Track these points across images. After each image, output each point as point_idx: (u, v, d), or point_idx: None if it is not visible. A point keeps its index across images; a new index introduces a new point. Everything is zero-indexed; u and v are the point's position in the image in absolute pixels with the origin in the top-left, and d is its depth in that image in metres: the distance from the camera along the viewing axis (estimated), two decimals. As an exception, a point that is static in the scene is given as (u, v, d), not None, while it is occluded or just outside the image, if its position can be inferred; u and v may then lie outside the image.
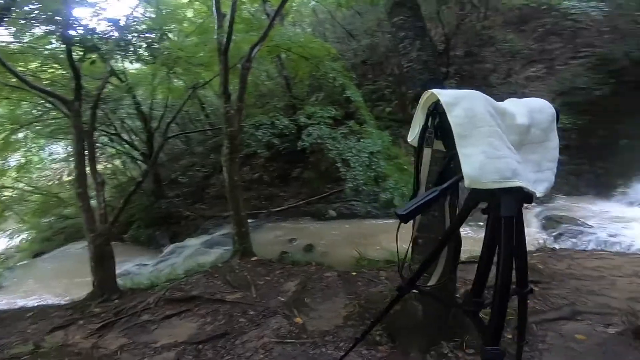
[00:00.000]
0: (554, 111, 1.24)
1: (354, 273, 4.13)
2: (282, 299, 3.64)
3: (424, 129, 1.25)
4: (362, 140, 6.12)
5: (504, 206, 1.08)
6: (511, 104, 1.18)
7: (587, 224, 7.06)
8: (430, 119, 1.23)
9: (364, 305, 3.18)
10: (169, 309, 3.63)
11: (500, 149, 1.05)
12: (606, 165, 8.89)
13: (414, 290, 1.51)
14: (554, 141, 1.21)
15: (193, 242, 8.45)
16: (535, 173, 1.18)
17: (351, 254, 5.26)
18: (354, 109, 7.20)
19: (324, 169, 8.81)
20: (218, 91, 11.32)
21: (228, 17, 5.35)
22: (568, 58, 9.53)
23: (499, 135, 1.07)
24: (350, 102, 6.98)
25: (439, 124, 1.21)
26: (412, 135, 1.34)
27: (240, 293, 3.94)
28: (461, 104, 1.10)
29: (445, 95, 1.13)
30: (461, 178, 1.15)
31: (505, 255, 1.11)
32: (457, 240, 1.46)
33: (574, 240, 6.57)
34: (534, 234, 6.91)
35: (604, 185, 8.72)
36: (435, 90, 1.19)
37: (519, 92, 8.96)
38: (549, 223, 7.41)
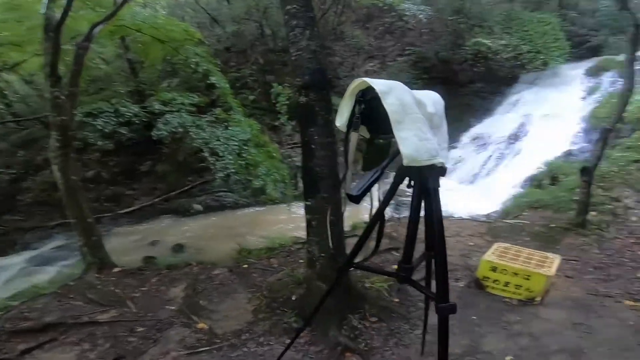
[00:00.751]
0: (443, 102, 1.52)
1: (245, 266, 4.03)
2: (172, 308, 3.28)
3: (352, 114, 1.37)
4: (230, 128, 5.89)
5: (432, 180, 1.31)
6: (420, 95, 1.37)
7: (415, 194, 8.58)
8: (357, 106, 1.35)
9: (268, 296, 3.15)
10: (21, 342, 2.82)
11: (427, 132, 1.26)
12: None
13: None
14: (445, 126, 1.47)
15: (13, 262, 6.63)
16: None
17: (230, 247, 5.07)
18: (216, 96, 6.83)
19: (181, 160, 8.11)
20: (28, 75, 9.03)
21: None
22: (396, 55, 11.05)
23: (423, 121, 1.27)
24: (212, 88, 6.59)
25: (364, 111, 1.34)
26: (341, 121, 1.42)
27: (115, 310, 3.37)
28: (393, 93, 1.24)
29: (379, 84, 1.26)
30: (393, 159, 1.37)
31: (438, 221, 1.34)
32: (382, 218, 1.65)
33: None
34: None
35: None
36: (367, 79, 1.30)
37: (360, 85, 10.04)
38: (388, 198, 8.72)
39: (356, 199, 1.28)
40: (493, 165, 8.72)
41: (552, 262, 3.18)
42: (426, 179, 1.30)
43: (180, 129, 6.05)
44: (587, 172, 4.54)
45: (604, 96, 8.38)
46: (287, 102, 5.63)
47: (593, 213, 4.91)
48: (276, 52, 10.38)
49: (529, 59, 10.18)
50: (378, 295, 2.95)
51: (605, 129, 4.66)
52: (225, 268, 4.05)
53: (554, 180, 6.95)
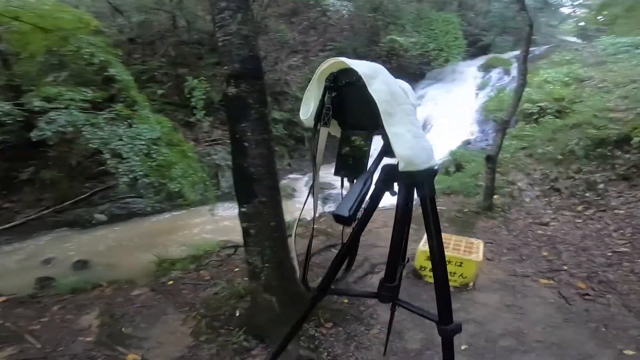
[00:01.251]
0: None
1: (170, 282, 3.58)
2: (88, 339, 2.76)
3: (322, 104, 1.11)
4: (135, 126, 5.19)
5: (429, 186, 1.10)
6: (400, 83, 1.14)
7: (341, 188, 8.56)
8: (327, 93, 1.09)
9: (207, 314, 2.83)
10: None
11: (419, 127, 1.05)
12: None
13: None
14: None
15: None
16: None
17: (147, 260, 4.52)
18: (116, 90, 5.96)
19: (74, 164, 6.97)
20: None
21: None
22: (319, 50, 11.07)
23: (415, 113, 1.07)
24: (111, 82, 5.73)
25: (336, 99, 1.09)
26: (307, 113, 1.17)
27: (12, 347, 2.72)
28: (380, 77, 1.00)
29: (361, 66, 1.01)
30: (380, 161, 1.10)
31: (437, 233, 1.15)
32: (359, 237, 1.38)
33: (337, 202, 7.89)
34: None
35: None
36: (344, 59, 1.06)
37: (283, 79, 9.82)
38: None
39: (349, 220, 0.95)
40: (405, 156, 9.27)
41: (478, 247, 3.40)
42: (421, 186, 1.10)
43: (70, 128, 5.15)
44: (491, 159, 5.04)
45: (493, 90, 9.51)
46: (203, 96, 5.16)
47: (496, 196, 5.49)
48: (190, 44, 9.62)
49: (434, 57, 11.07)
50: (328, 297, 2.85)
51: (504, 120, 5.21)
52: (145, 287, 3.55)
53: (458, 167, 7.66)
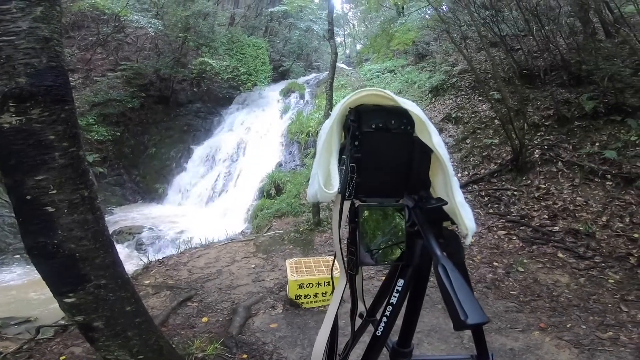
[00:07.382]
0: None
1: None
2: None
3: (348, 161, 0.75)
4: None
5: (463, 250, 0.87)
6: None
7: (156, 228, 7.44)
8: (351, 143, 0.75)
9: None
10: None
11: None
12: (142, 172, 9.91)
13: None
14: None
15: None
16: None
17: None
18: None
19: None
20: None
21: None
22: (107, 70, 9.63)
23: None
24: None
25: (359, 151, 0.75)
26: (334, 182, 0.76)
27: None
28: (431, 124, 0.76)
29: (414, 106, 0.74)
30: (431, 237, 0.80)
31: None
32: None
33: (155, 246, 6.83)
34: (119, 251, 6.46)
35: (146, 190, 9.70)
36: (385, 91, 0.74)
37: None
38: (122, 237, 7.23)
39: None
40: (223, 185, 9.05)
41: (333, 263, 3.59)
42: (459, 251, 0.87)
43: None
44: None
45: (294, 114, 10.39)
46: None
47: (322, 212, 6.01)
48: None
49: (243, 81, 11.23)
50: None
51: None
52: None
53: (277, 189, 7.97)
